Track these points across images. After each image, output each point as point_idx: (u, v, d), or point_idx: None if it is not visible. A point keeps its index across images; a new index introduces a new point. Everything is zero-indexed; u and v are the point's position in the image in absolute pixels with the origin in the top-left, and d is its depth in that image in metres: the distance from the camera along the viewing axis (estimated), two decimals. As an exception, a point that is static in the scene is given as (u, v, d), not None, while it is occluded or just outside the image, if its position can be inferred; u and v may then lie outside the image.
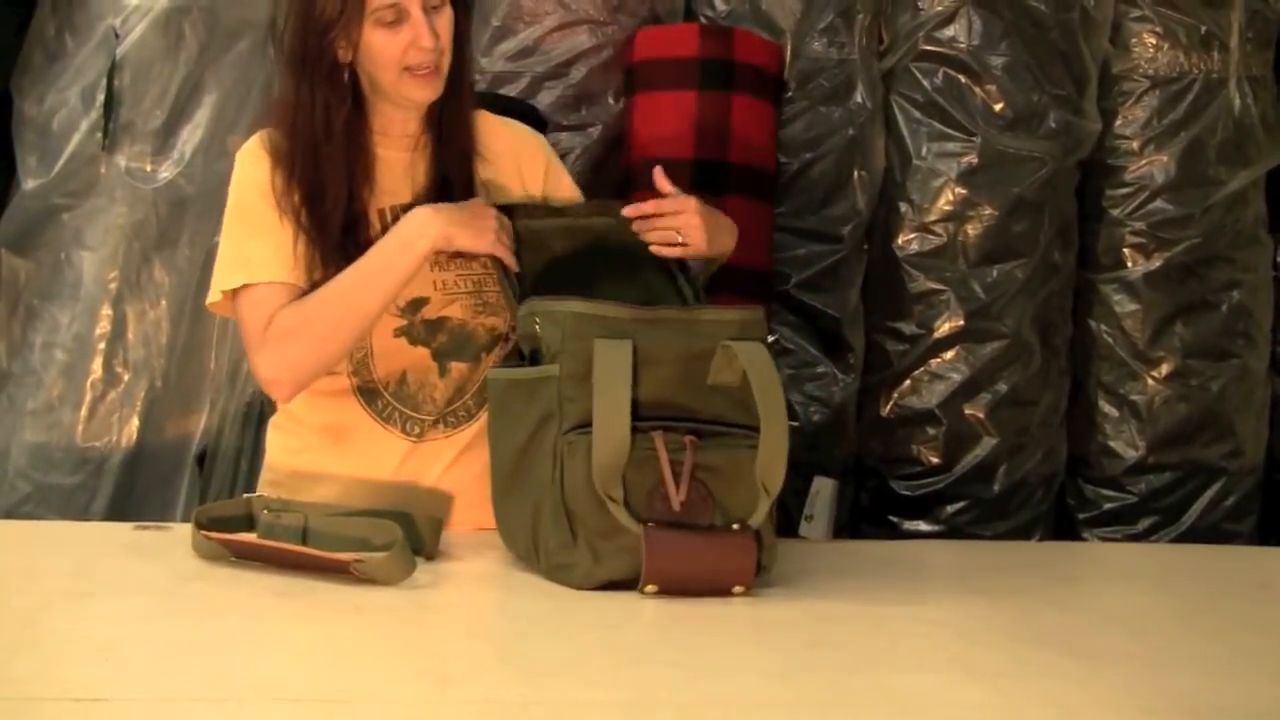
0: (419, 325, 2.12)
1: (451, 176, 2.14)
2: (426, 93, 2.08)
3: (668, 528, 1.78)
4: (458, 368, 2.14)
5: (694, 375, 1.82)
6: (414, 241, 2.02)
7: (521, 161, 2.23)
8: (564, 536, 1.81)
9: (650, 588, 1.76)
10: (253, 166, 2.10)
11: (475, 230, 2.02)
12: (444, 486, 2.15)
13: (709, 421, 1.83)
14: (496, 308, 2.14)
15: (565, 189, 2.24)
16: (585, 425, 1.79)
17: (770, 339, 1.98)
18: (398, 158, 2.14)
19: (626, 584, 1.78)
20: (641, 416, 1.80)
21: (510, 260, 2.03)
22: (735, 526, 1.79)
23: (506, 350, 2.14)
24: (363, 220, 2.10)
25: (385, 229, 2.10)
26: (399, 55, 2.04)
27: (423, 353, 2.12)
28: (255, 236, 2.08)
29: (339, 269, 2.06)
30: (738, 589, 1.77)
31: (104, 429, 2.99)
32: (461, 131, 2.16)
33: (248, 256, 2.08)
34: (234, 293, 2.08)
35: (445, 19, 2.07)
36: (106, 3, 3.03)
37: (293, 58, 2.08)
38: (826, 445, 3.07)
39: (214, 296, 2.12)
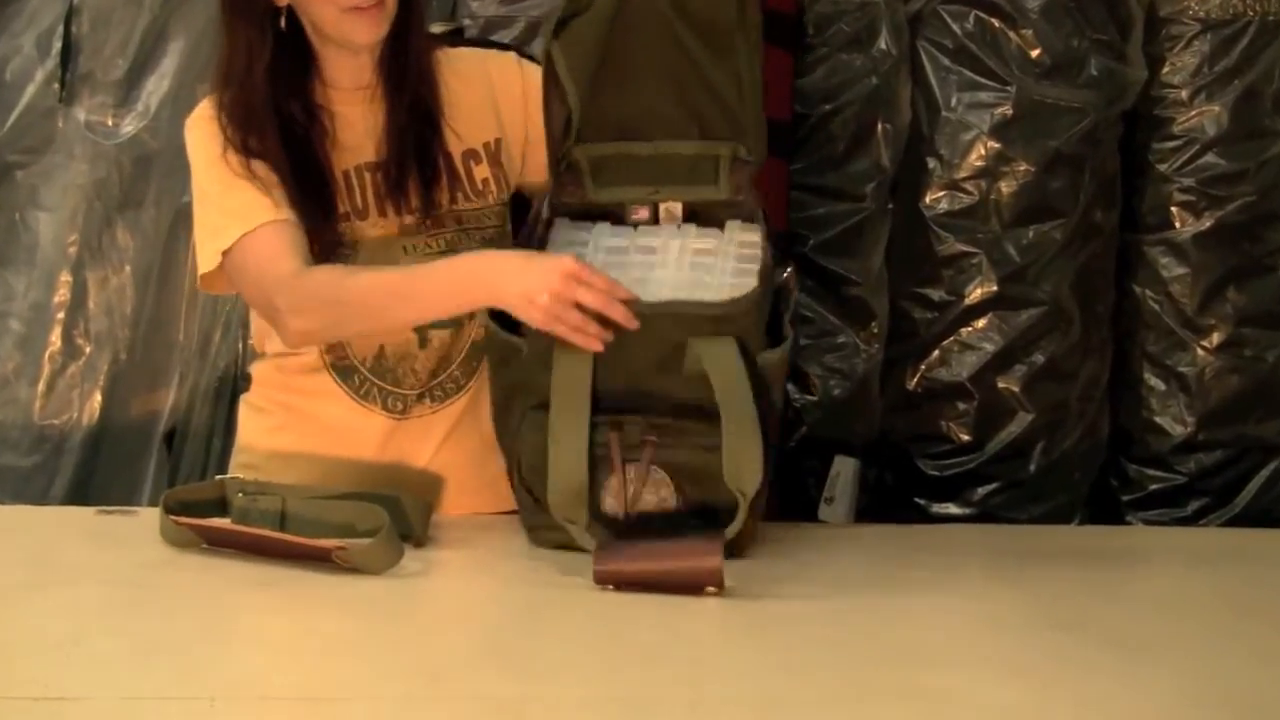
0: None
1: (409, 127, 2.13)
2: (371, 32, 2.06)
3: (620, 539, 1.84)
4: (439, 336, 2.14)
5: (669, 363, 1.88)
6: (478, 283, 1.94)
7: (496, 91, 2.21)
8: (528, 501, 1.96)
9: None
10: (209, 125, 2.10)
11: (533, 302, 1.88)
12: (434, 468, 2.16)
13: (682, 408, 1.88)
14: None
15: None
16: (547, 404, 1.89)
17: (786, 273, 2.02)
18: (356, 112, 2.14)
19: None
20: (606, 406, 1.88)
21: (567, 337, 1.89)
22: (709, 533, 1.82)
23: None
24: (329, 183, 2.10)
25: (354, 190, 2.11)
26: None
27: None
28: (234, 189, 2.07)
29: (313, 234, 2.06)
30: (710, 589, 1.78)
31: (64, 405, 2.99)
32: (415, 75, 2.13)
33: (234, 209, 2.07)
34: (230, 250, 2.06)
35: None
36: (63, -59, 3.03)
37: (223, 2, 2.10)
38: (847, 422, 3.07)
39: (208, 265, 2.10)
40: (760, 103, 2.01)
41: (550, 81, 2.01)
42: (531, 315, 1.89)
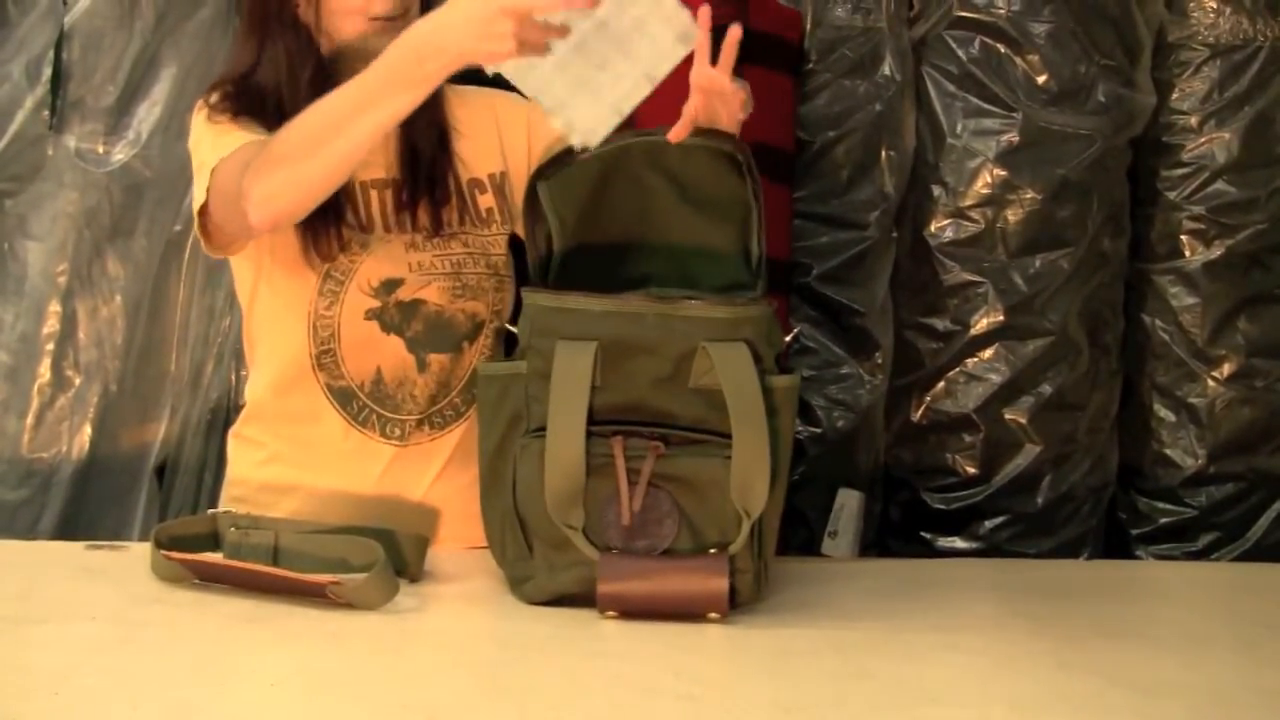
0: (392, 308, 2.13)
1: (422, 149, 2.16)
2: None
3: (625, 553, 1.80)
4: (438, 360, 2.15)
5: (675, 376, 1.84)
6: (422, 45, 1.84)
7: (501, 125, 2.24)
8: (521, 548, 1.89)
9: (610, 614, 1.78)
10: (197, 116, 2.13)
11: (491, 33, 1.77)
12: (430, 499, 2.16)
13: (687, 428, 1.84)
14: (477, 291, 2.16)
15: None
16: (545, 428, 1.83)
17: (790, 335, 1.98)
18: None
19: (583, 599, 1.81)
20: (607, 421, 1.83)
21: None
22: (712, 551, 1.80)
23: (490, 338, 2.16)
24: (346, 196, 2.12)
25: (359, 205, 2.13)
26: (363, 1, 2.07)
27: (396, 343, 2.14)
28: (224, 135, 2.06)
29: (318, 237, 2.09)
30: (713, 615, 1.77)
31: (53, 438, 2.99)
32: (430, 99, 2.16)
33: (222, 147, 2.04)
34: (215, 169, 2.03)
35: None
36: (53, -34, 3.04)
37: (253, 12, 2.14)
38: (851, 454, 3.08)
39: (200, 199, 2.06)
40: (766, 275, 1.98)
41: (533, 215, 1.99)
42: (499, 43, 1.76)
